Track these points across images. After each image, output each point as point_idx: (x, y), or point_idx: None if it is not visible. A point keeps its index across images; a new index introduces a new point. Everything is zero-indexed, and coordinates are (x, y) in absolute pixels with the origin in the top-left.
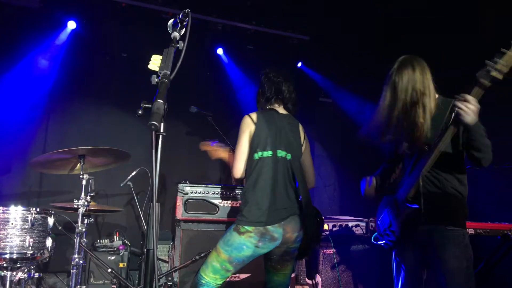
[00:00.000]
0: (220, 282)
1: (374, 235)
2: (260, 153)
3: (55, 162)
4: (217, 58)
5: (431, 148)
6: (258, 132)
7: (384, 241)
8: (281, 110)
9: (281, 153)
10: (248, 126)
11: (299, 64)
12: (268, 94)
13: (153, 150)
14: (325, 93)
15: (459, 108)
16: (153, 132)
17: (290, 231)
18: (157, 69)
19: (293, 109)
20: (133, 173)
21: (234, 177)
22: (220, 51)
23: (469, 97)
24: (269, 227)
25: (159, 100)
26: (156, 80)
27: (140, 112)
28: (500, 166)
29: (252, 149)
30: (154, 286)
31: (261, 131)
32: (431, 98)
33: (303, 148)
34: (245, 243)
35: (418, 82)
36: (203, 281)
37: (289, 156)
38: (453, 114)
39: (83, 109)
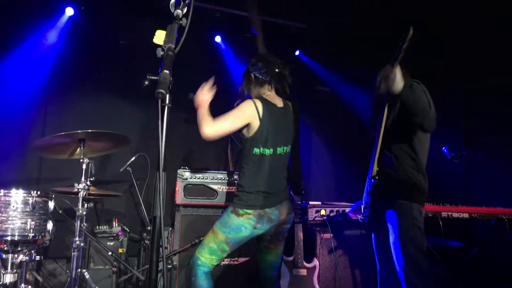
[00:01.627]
0: (215, 263)
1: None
2: (261, 150)
3: (55, 146)
4: (215, 46)
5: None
6: (262, 129)
7: (361, 216)
8: (278, 100)
9: (280, 150)
10: (253, 116)
11: (297, 53)
12: (265, 78)
13: (159, 121)
14: (322, 82)
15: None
16: (159, 102)
17: (284, 213)
18: (161, 43)
19: (287, 92)
20: (133, 159)
21: (204, 134)
22: (218, 38)
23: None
24: (267, 209)
25: (165, 71)
26: (161, 53)
27: (146, 83)
28: (495, 152)
29: (253, 144)
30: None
31: (264, 128)
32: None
33: (295, 135)
34: (243, 224)
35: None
36: (199, 262)
37: (287, 150)
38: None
39: (82, 96)
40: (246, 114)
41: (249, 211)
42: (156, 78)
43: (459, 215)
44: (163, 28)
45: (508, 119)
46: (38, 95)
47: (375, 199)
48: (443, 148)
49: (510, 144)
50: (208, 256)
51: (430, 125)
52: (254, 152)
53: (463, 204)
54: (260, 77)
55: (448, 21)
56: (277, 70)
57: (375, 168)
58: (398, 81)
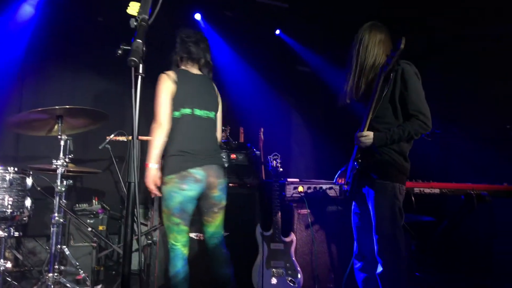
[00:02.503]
0: (182, 239)
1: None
2: (180, 111)
3: (32, 122)
4: (195, 24)
5: (367, 111)
6: (178, 91)
7: (347, 189)
8: (195, 70)
9: (200, 112)
10: (169, 85)
11: (278, 32)
12: (181, 54)
13: (133, 90)
14: (303, 62)
15: (357, 144)
16: (132, 71)
17: (212, 176)
18: (135, 13)
19: (208, 74)
20: (112, 136)
21: (157, 131)
22: (198, 16)
23: (362, 138)
24: (190, 170)
25: (138, 40)
26: (135, 23)
27: (119, 52)
28: (466, 130)
29: (174, 109)
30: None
31: (181, 90)
32: (368, 64)
33: (219, 107)
34: (171, 189)
35: (370, 48)
36: (170, 245)
37: (209, 115)
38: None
39: (59, 72)
40: (165, 87)
41: (171, 176)
42: (129, 47)
43: (431, 190)
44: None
45: (479, 99)
46: (13, 70)
47: (357, 178)
48: None
49: (481, 124)
50: (171, 236)
51: (418, 136)
52: (174, 116)
53: (436, 180)
54: (178, 53)
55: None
56: (187, 46)
57: (358, 151)
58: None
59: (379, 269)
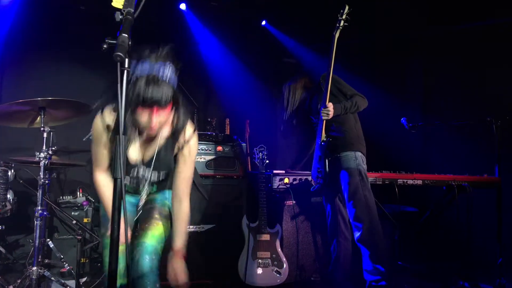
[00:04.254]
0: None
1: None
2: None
3: (14, 114)
4: (180, 14)
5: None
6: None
7: (317, 184)
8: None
9: None
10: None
11: (263, 23)
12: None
13: (119, 85)
14: (289, 54)
15: (324, 114)
16: (118, 66)
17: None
18: (120, 6)
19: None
20: None
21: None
22: (183, 6)
23: (328, 105)
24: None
25: (123, 34)
26: (120, 17)
27: (105, 46)
28: (448, 122)
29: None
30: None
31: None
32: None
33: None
34: None
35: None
36: None
37: None
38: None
39: (41, 63)
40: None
41: None
42: (114, 42)
43: (414, 182)
44: None
45: (461, 92)
46: None
47: (327, 159)
48: (402, 119)
49: (463, 116)
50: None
51: (362, 108)
52: None
53: (418, 172)
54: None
55: None
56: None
57: (323, 135)
58: None
59: (357, 234)
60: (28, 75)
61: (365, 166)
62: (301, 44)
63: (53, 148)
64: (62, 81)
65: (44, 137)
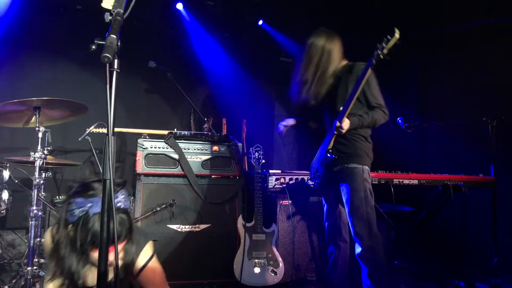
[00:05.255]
0: None
1: (307, 177)
2: None
3: (9, 114)
4: (176, 13)
5: (342, 110)
6: None
7: (313, 183)
8: None
9: None
10: None
11: (260, 22)
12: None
13: (108, 86)
14: (286, 53)
15: (337, 132)
16: (107, 67)
17: None
18: (110, 7)
19: None
20: (92, 127)
21: None
22: (179, 5)
23: (343, 124)
24: None
25: (112, 35)
26: (110, 17)
27: (93, 47)
28: (444, 122)
29: None
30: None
31: None
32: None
33: None
34: None
35: (325, 51)
36: None
37: None
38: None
39: (36, 62)
40: None
41: None
42: (103, 42)
43: (409, 181)
44: None
45: (457, 92)
46: None
47: (329, 169)
48: (398, 119)
49: (459, 116)
50: None
51: (381, 123)
52: None
53: (414, 171)
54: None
55: None
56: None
57: (332, 143)
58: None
59: (358, 249)
60: (23, 74)
61: (370, 180)
62: (298, 43)
63: (49, 148)
64: (58, 81)
65: (39, 137)
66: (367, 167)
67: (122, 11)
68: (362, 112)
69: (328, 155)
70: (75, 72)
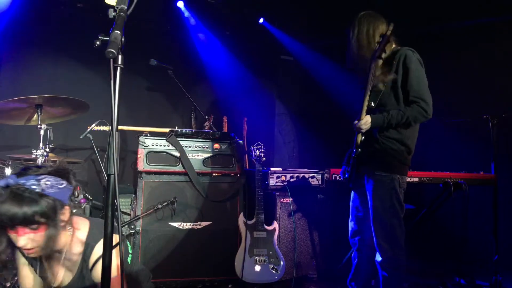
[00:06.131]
0: None
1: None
2: None
3: (10, 111)
4: (177, 11)
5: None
6: None
7: (343, 177)
8: None
9: None
10: None
11: (261, 20)
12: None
13: (111, 82)
14: (286, 51)
15: (358, 131)
16: (111, 63)
17: None
18: (114, 3)
19: None
20: (93, 125)
21: None
22: (180, 4)
23: (361, 123)
24: None
25: (116, 31)
26: (113, 14)
27: (98, 43)
28: (445, 120)
29: None
30: (116, 209)
31: None
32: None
33: None
34: None
35: (367, 35)
36: None
37: None
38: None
39: (38, 60)
40: None
41: None
42: (107, 38)
43: (410, 179)
44: None
45: (458, 89)
46: None
47: (356, 168)
48: None
49: (459, 113)
50: None
51: (417, 121)
52: None
53: (415, 169)
54: None
55: None
56: None
57: (360, 138)
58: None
59: (379, 258)
60: (24, 72)
61: (402, 188)
62: (299, 42)
63: (50, 146)
64: (60, 78)
65: (41, 135)
66: (397, 176)
67: (125, 7)
68: (396, 108)
69: (354, 150)
70: (75, 70)
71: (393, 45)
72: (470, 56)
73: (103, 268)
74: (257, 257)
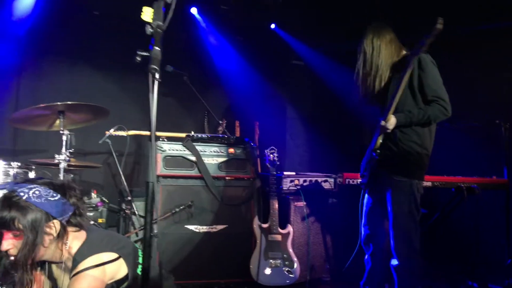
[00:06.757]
0: None
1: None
2: None
3: (35, 118)
4: (191, 18)
5: (391, 100)
6: None
7: (360, 182)
8: None
9: None
10: None
11: (273, 26)
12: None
13: (150, 95)
14: (298, 56)
15: (383, 132)
16: (150, 77)
17: None
18: (150, 20)
19: None
20: (111, 130)
21: None
22: (194, 10)
23: (388, 123)
24: None
25: (156, 48)
26: (151, 30)
27: (138, 59)
28: (457, 125)
29: None
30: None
31: None
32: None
33: None
34: None
35: (374, 47)
36: None
37: None
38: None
39: (56, 67)
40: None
41: None
42: (146, 54)
43: (424, 183)
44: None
45: (470, 94)
46: (10, 66)
47: (374, 171)
48: None
49: (472, 118)
50: None
51: (436, 120)
52: None
53: (427, 174)
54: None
55: None
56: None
57: (379, 141)
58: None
59: (395, 262)
60: (44, 79)
61: (420, 193)
62: (310, 47)
63: (71, 150)
64: (77, 85)
65: (63, 140)
66: (416, 181)
67: (161, 23)
68: (414, 107)
69: (373, 154)
70: (93, 76)
71: (403, 51)
72: (482, 60)
73: (143, 269)
74: (271, 260)
